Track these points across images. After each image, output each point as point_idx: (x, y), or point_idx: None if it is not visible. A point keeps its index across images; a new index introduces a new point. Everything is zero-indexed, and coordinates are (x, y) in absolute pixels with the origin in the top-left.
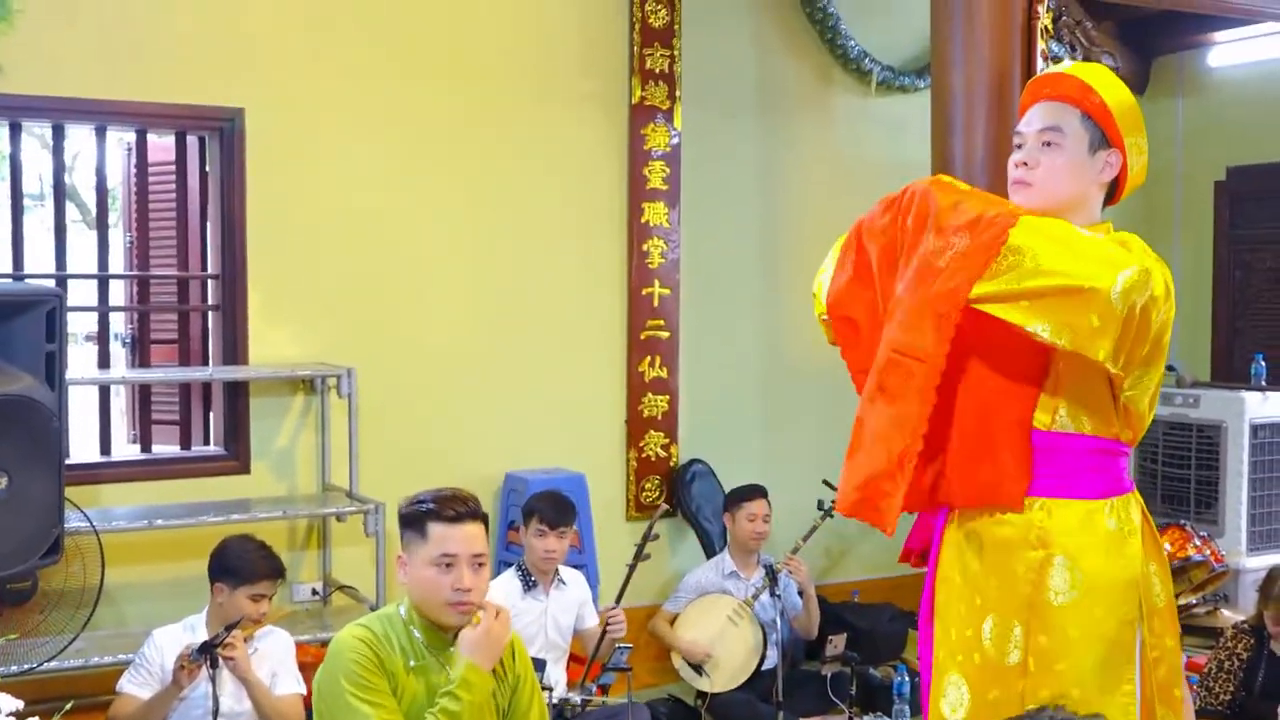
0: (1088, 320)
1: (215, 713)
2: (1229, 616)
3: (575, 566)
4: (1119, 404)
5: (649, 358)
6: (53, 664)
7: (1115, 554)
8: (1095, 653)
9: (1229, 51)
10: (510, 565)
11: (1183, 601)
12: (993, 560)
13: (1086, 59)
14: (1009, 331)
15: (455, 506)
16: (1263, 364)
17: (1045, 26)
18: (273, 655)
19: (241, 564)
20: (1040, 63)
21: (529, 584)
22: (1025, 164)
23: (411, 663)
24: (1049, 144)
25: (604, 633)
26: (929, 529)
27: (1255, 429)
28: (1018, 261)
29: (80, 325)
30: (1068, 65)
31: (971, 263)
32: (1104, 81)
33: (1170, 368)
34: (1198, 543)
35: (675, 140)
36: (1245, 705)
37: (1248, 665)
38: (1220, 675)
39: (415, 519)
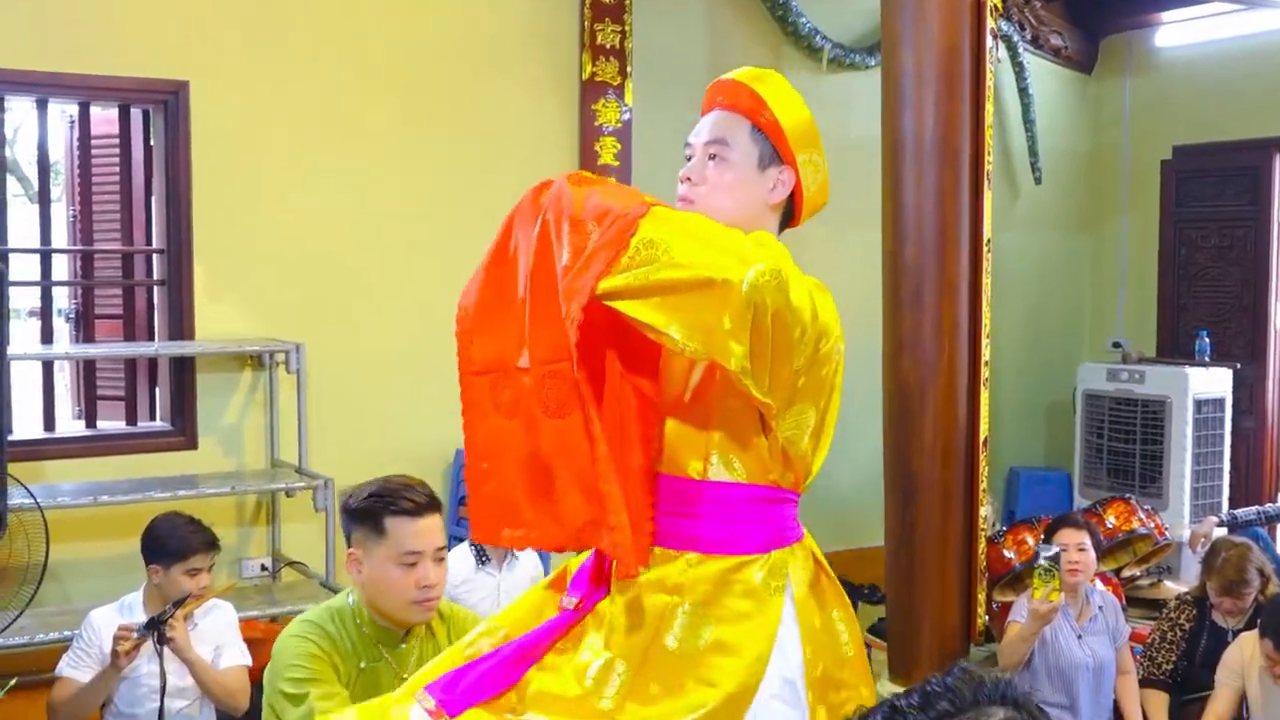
0: (720, 320)
1: (162, 691)
2: (1172, 588)
3: None
4: (774, 444)
5: None
6: None
7: (754, 612)
8: (702, 708)
9: (1176, 31)
10: (461, 540)
11: (1127, 574)
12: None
13: (1035, 39)
14: (652, 357)
15: (413, 498)
16: (1206, 340)
17: (995, 5)
18: (216, 631)
19: (172, 541)
20: (990, 41)
21: (482, 559)
22: (690, 179)
23: (362, 664)
24: (714, 157)
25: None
26: None
27: (1199, 404)
28: (650, 255)
29: (23, 301)
30: (742, 71)
31: (599, 257)
32: (777, 93)
33: (1116, 344)
34: (1142, 516)
35: (626, 116)
36: (1187, 674)
37: (1190, 635)
38: (1163, 645)
39: (369, 514)
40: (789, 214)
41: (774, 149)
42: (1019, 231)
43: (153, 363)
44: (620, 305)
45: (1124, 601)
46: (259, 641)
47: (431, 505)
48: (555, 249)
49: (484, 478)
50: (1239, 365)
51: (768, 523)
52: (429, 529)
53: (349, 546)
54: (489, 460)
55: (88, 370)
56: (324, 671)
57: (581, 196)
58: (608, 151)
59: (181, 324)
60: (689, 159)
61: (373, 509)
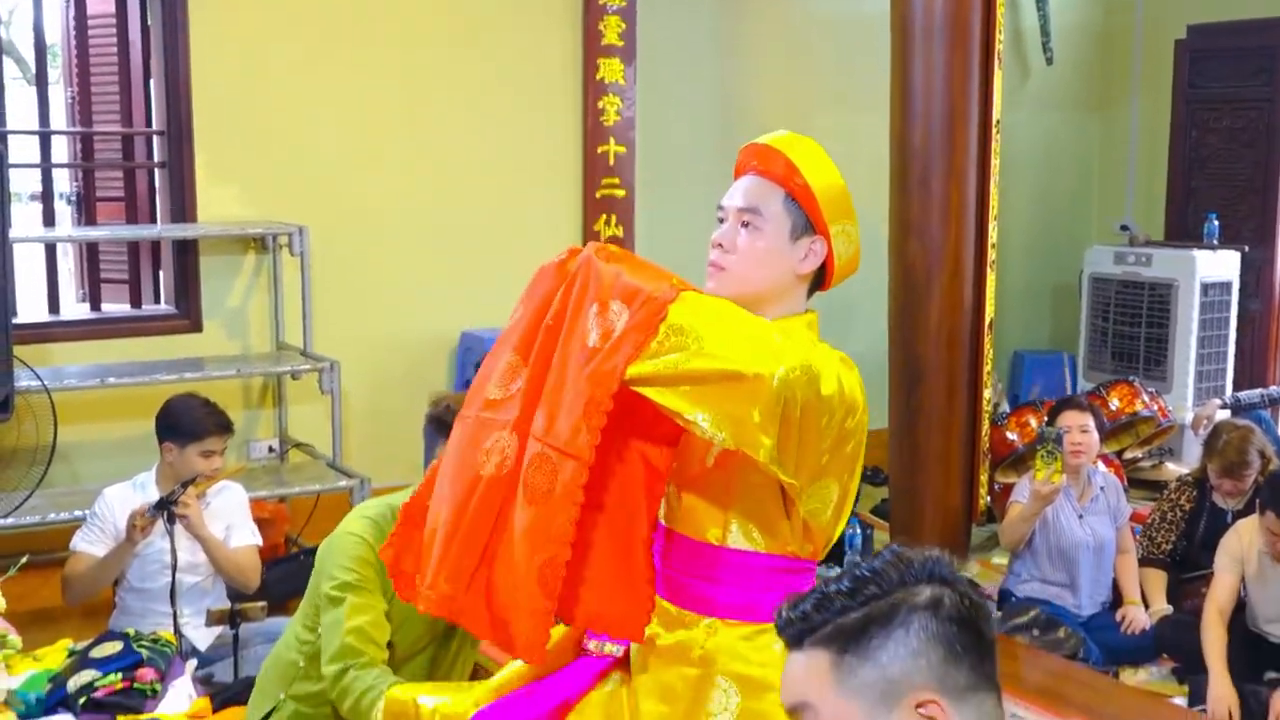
0: (749, 413)
1: (174, 567)
2: (1174, 470)
3: None
4: (795, 519)
5: (605, 216)
6: (8, 521)
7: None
8: None
9: None
10: None
11: (1129, 455)
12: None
13: None
14: (668, 430)
15: None
16: (1216, 224)
17: None
18: (227, 510)
19: (188, 422)
20: None
21: None
22: (721, 245)
23: None
24: (747, 225)
25: None
26: None
27: (1206, 287)
28: (679, 342)
29: (24, 185)
30: (777, 136)
31: (628, 341)
32: (811, 161)
33: (1124, 227)
34: (1146, 399)
35: None
36: (1186, 554)
37: (1190, 516)
38: (1163, 526)
39: None
40: (818, 281)
41: (807, 219)
42: (1028, 112)
43: (155, 246)
44: (647, 391)
45: (1125, 483)
46: (267, 522)
47: None
48: (581, 326)
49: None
50: (1247, 248)
51: (786, 592)
52: None
53: (430, 456)
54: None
55: (90, 253)
56: (368, 579)
57: (610, 275)
58: (612, 30)
59: (183, 207)
60: (721, 221)
61: None
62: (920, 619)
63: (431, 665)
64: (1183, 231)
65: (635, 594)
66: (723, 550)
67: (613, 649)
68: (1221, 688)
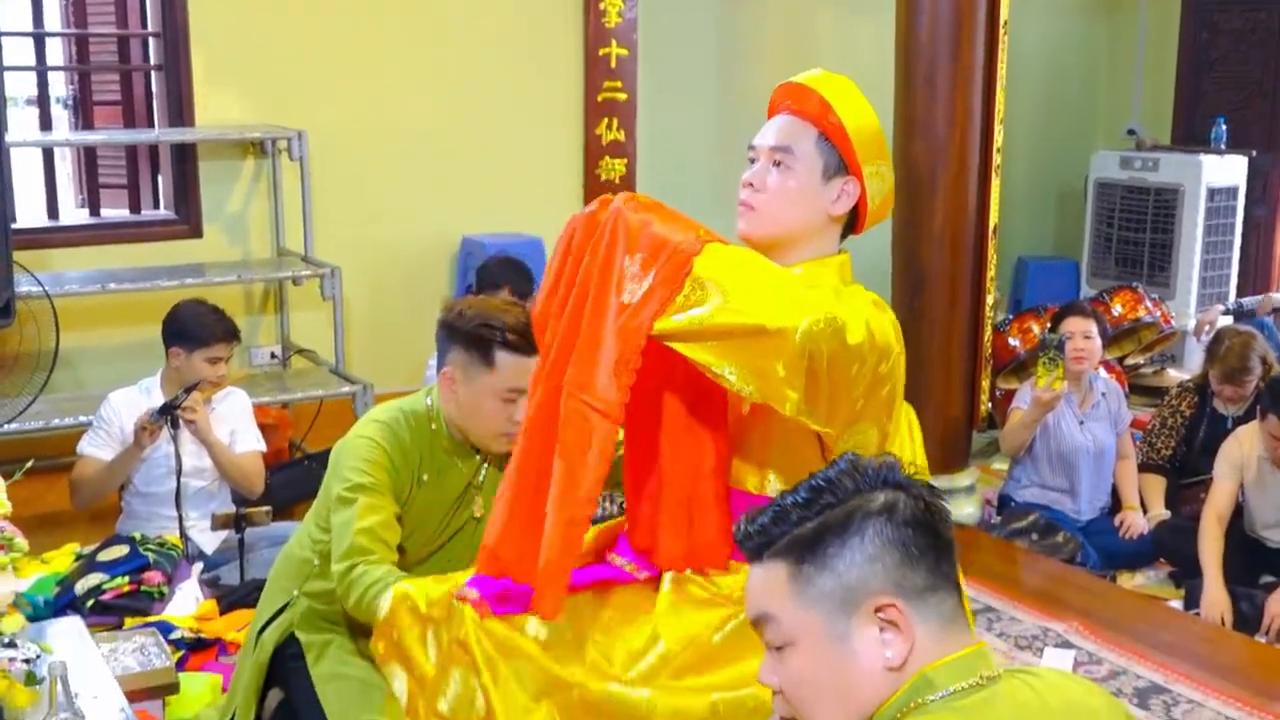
0: (774, 367)
1: (178, 472)
2: (1175, 376)
3: None
4: None
5: (606, 120)
6: (12, 426)
7: None
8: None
9: None
10: None
11: (1131, 361)
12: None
13: None
14: (704, 382)
15: (529, 337)
16: (1223, 127)
17: None
18: (231, 416)
19: (195, 328)
20: None
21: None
22: (752, 185)
23: (425, 477)
24: (779, 164)
25: None
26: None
27: (1212, 193)
28: (703, 297)
29: (19, 88)
30: (812, 75)
31: (655, 297)
32: (848, 101)
33: (1131, 131)
34: (1149, 304)
35: None
36: (1185, 460)
37: (1190, 422)
38: (1163, 431)
39: (480, 342)
40: (851, 224)
41: (840, 159)
42: (1036, 13)
43: (154, 150)
44: (676, 346)
45: (1127, 389)
46: (270, 427)
47: (536, 346)
48: (610, 279)
49: None
50: (1255, 153)
51: None
52: (532, 368)
53: (443, 363)
54: None
55: (89, 158)
56: (380, 481)
57: (638, 226)
58: None
59: (181, 110)
60: (752, 162)
61: (484, 338)
62: (875, 524)
63: (442, 572)
64: (1190, 135)
65: (725, 528)
66: (762, 500)
67: (635, 569)
68: (1216, 593)
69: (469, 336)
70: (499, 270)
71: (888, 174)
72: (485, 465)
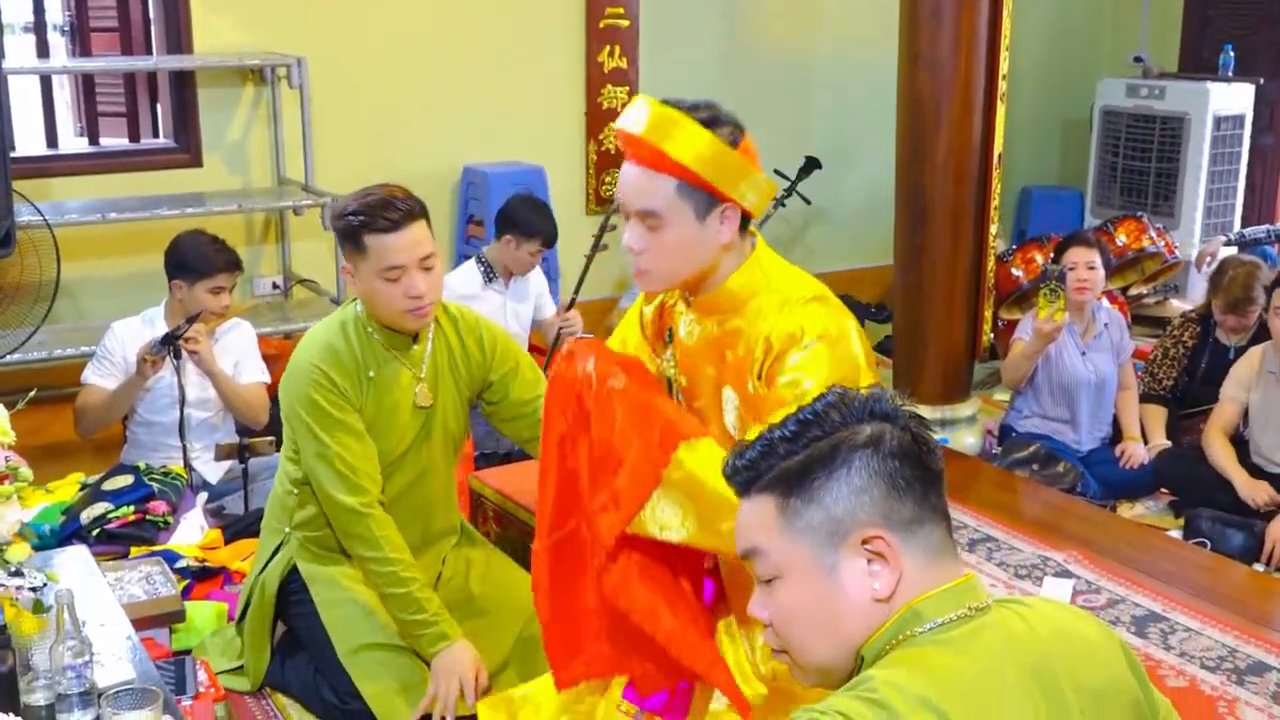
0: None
1: (182, 402)
2: (1178, 306)
3: None
4: None
5: (608, 47)
6: (15, 356)
7: None
8: None
9: None
10: (469, 259)
11: (1134, 292)
12: None
13: None
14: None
15: (388, 214)
16: (1231, 54)
17: None
18: (235, 347)
19: (197, 259)
20: None
21: (489, 276)
22: (634, 250)
23: (370, 374)
24: (650, 226)
25: (559, 334)
26: None
27: (1218, 121)
28: (664, 521)
29: (16, 15)
30: (645, 123)
31: (624, 505)
32: (681, 138)
33: (1138, 58)
34: (1153, 234)
35: None
36: (1187, 390)
37: (1192, 352)
38: (1165, 362)
39: (349, 233)
40: (745, 220)
41: (707, 194)
42: None
43: (153, 78)
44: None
45: (1129, 319)
46: (273, 358)
47: (409, 215)
48: (581, 461)
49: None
50: (1262, 80)
51: None
52: (409, 241)
53: (344, 261)
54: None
55: (87, 86)
56: (338, 405)
57: (606, 424)
58: None
59: (180, 37)
60: (627, 218)
61: (350, 228)
62: (861, 456)
63: (415, 484)
64: (1197, 63)
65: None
66: None
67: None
68: (1246, 483)
69: (342, 232)
70: (530, 216)
71: (759, 177)
72: (429, 350)
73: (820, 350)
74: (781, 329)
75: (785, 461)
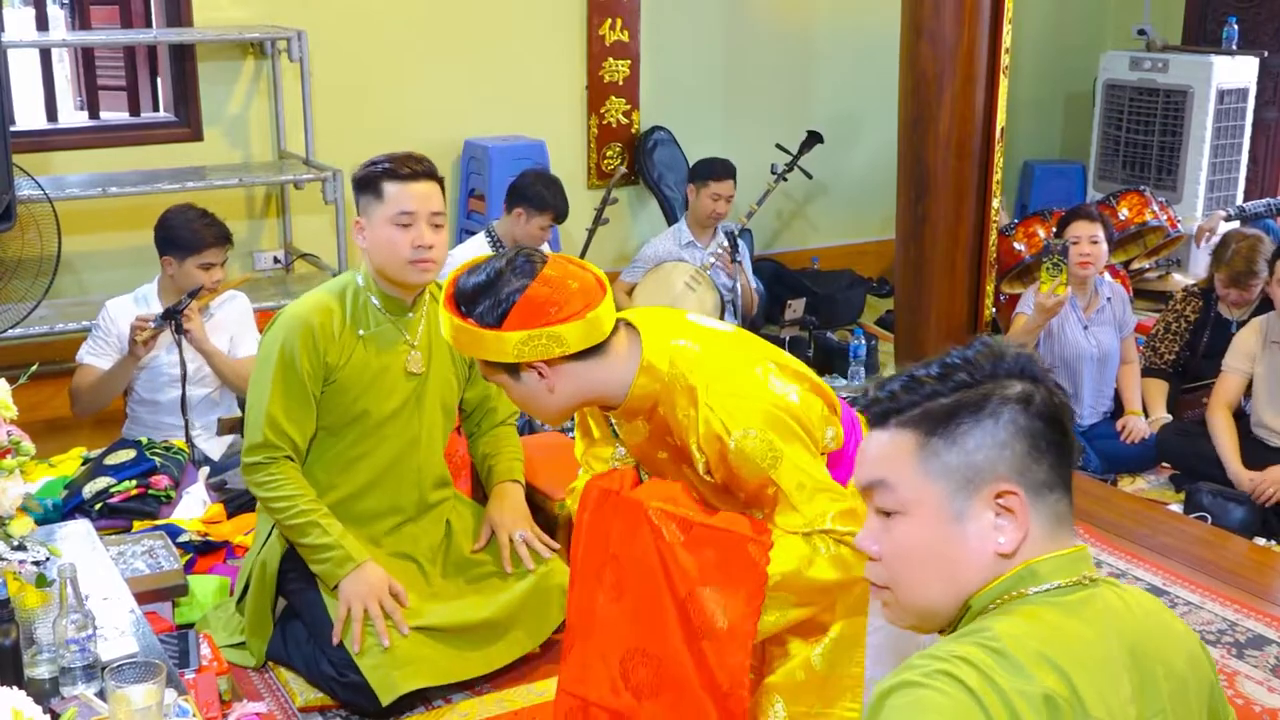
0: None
1: (183, 378)
2: (1180, 280)
3: None
4: None
5: (609, 20)
6: (16, 331)
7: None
8: None
9: None
10: (471, 234)
11: (1136, 266)
12: None
13: None
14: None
15: (410, 165)
16: (1235, 27)
17: None
18: (230, 321)
19: (185, 234)
20: None
21: (496, 248)
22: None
23: (361, 331)
24: (501, 385)
25: None
26: None
27: (1222, 94)
28: (778, 619)
29: None
30: (448, 316)
31: (741, 645)
32: (479, 334)
33: (1141, 31)
34: (1155, 208)
35: None
36: (1189, 364)
37: (1194, 327)
38: (1167, 336)
39: (370, 181)
40: (586, 353)
41: (512, 365)
42: None
43: (153, 51)
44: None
45: (1132, 293)
46: None
47: (428, 173)
48: (676, 603)
49: None
50: (1266, 54)
51: None
52: (424, 193)
53: (357, 215)
54: None
55: (87, 60)
56: (306, 367)
57: (689, 567)
58: None
59: (179, 10)
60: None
61: (371, 175)
62: (1010, 411)
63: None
64: (1201, 36)
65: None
66: None
67: None
68: (1243, 475)
69: (362, 180)
70: (542, 191)
71: (557, 331)
72: (422, 320)
73: (757, 437)
74: (703, 432)
75: (931, 401)
